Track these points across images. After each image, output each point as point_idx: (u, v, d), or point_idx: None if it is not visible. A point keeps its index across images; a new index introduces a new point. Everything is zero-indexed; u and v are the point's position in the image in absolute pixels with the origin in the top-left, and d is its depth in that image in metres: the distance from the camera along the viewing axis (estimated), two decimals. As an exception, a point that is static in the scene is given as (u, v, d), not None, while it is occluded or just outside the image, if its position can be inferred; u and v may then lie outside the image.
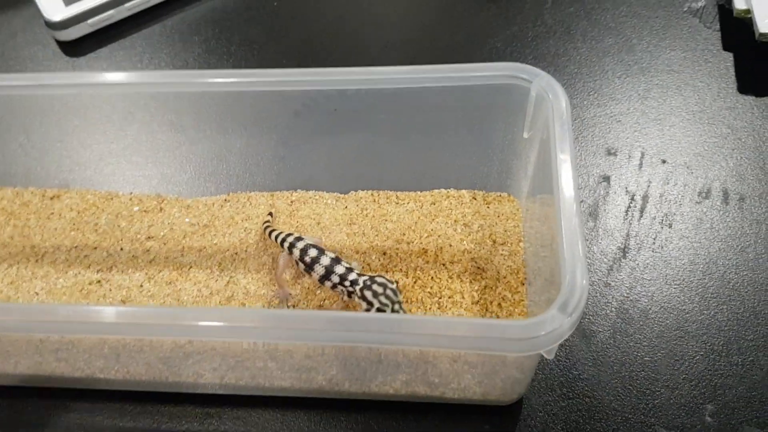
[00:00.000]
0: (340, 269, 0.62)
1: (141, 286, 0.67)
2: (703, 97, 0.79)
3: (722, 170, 0.73)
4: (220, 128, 0.73)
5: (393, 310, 0.58)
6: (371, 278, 0.60)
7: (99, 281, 0.68)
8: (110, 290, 0.67)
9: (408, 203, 0.71)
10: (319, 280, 0.63)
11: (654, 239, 0.69)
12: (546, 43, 0.87)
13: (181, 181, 0.76)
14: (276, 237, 0.67)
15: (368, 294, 0.59)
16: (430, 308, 0.63)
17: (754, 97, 0.79)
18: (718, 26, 0.85)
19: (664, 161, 0.74)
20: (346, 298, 0.63)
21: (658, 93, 0.80)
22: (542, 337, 0.46)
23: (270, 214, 0.71)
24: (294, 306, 0.65)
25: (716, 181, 0.72)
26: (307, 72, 0.65)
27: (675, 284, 0.66)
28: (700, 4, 0.85)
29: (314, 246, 0.64)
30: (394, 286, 0.59)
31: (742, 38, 0.82)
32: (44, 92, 0.70)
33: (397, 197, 0.72)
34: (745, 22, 0.80)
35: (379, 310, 0.58)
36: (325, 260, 0.62)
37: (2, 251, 0.72)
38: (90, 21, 0.90)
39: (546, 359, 0.61)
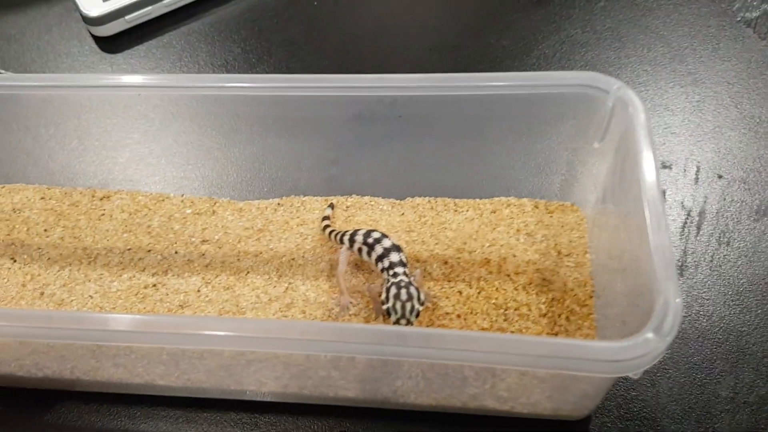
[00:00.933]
0: (395, 257, 0.62)
1: (198, 291, 0.66)
2: (759, 110, 0.78)
3: (780, 187, 0.72)
4: (273, 131, 0.72)
5: (397, 321, 0.58)
6: (409, 284, 0.59)
7: (155, 285, 0.67)
8: (167, 294, 0.66)
9: (467, 211, 0.70)
10: (375, 260, 0.62)
11: (712, 257, 0.68)
12: (595, 49, 0.86)
13: (231, 184, 0.75)
14: (336, 235, 0.66)
15: (392, 292, 0.59)
16: (495, 320, 0.62)
17: (811, 112, 0.78)
18: (773, 38, 0.84)
19: (720, 176, 0.73)
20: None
21: (712, 105, 0.80)
22: (636, 360, 0.45)
23: (331, 205, 0.70)
24: (348, 305, 0.64)
25: (775, 198, 0.71)
26: (367, 78, 0.64)
27: (734, 304, 0.64)
28: (754, 14, 0.84)
29: (377, 231, 0.64)
30: (420, 308, 0.59)
31: (798, 50, 0.82)
32: (84, 93, 0.69)
33: (455, 204, 0.71)
34: (802, 34, 0.79)
35: (387, 311, 0.58)
36: (387, 243, 0.62)
37: (53, 252, 0.71)
38: (127, 17, 0.89)
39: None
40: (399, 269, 0.60)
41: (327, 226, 0.68)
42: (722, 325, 0.63)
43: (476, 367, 0.55)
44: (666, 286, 0.46)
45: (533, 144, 0.68)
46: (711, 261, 0.67)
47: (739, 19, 0.86)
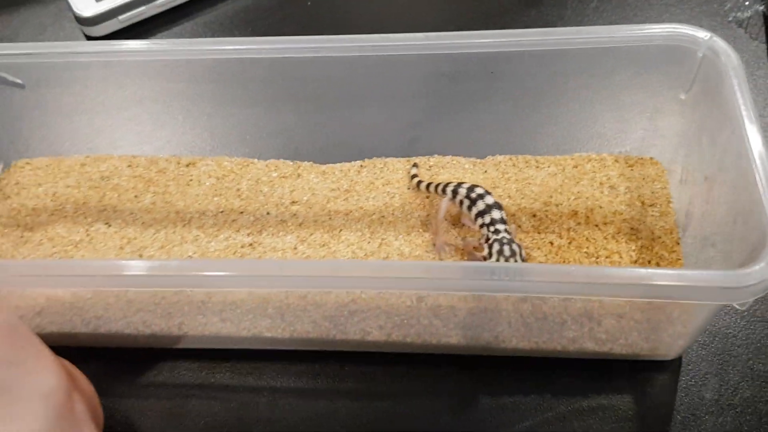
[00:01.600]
0: (496, 214, 0.63)
1: (295, 248, 0.68)
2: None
3: None
4: (351, 95, 0.74)
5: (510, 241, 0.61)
6: (511, 241, 0.61)
7: (251, 244, 0.69)
8: (264, 253, 0.68)
9: (549, 167, 0.72)
10: (475, 216, 0.64)
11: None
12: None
13: (312, 150, 0.77)
14: (435, 187, 0.68)
15: (495, 248, 0.60)
16: (588, 267, 0.64)
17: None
18: (764, 38, 0.83)
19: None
20: (483, 241, 0.64)
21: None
22: (749, 288, 0.47)
23: (415, 165, 0.72)
24: (448, 246, 0.67)
25: None
26: (450, 35, 0.65)
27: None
28: (746, 14, 0.84)
29: (481, 186, 0.65)
30: (521, 252, 0.61)
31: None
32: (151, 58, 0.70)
33: (536, 161, 0.73)
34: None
35: None
36: (490, 199, 0.64)
37: (147, 217, 0.72)
38: (121, 17, 0.88)
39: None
40: (500, 226, 0.62)
41: (420, 180, 0.70)
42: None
43: (574, 311, 0.57)
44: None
45: (614, 98, 0.70)
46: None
47: (730, 19, 0.85)
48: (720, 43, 0.59)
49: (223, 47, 0.67)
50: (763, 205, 0.49)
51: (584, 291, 0.49)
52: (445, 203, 0.67)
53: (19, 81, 0.70)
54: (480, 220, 0.64)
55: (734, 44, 0.79)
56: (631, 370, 0.61)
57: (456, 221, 0.69)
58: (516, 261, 0.60)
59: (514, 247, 0.60)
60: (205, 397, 0.62)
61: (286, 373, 0.63)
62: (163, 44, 0.71)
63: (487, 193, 0.65)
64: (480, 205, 0.64)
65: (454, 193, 0.66)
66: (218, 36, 0.91)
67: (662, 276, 0.48)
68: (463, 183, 0.67)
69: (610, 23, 0.87)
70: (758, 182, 0.50)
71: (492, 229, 0.62)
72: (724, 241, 0.57)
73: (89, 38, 0.90)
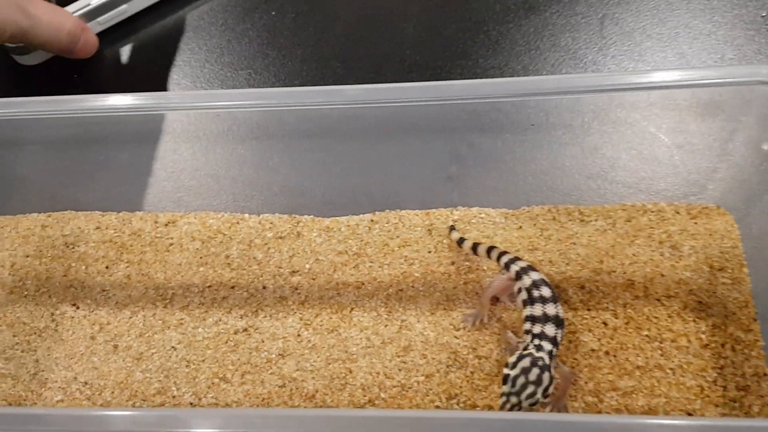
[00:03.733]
0: (550, 330, 0.51)
1: (298, 335, 0.58)
2: None
3: None
4: (358, 134, 0.62)
5: (507, 395, 0.48)
6: (547, 367, 0.49)
7: (246, 329, 0.58)
8: (262, 341, 0.58)
9: (596, 220, 0.61)
10: (526, 317, 0.53)
11: None
12: (602, 56, 0.73)
13: (313, 200, 0.65)
14: (487, 251, 0.57)
15: (523, 364, 0.49)
16: (651, 356, 0.54)
17: None
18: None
19: None
20: (518, 342, 0.53)
21: None
22: None
23: (452, 227, 0.60)
24: (482, 321, 0.56)
25: None
26: (483, 84, 0.55)
27: None
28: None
29: (546, 284, 0.54)
30: (542, 400, 0.48)
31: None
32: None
33: (580, 213, 0.61)
34: None
35: (504, 378, 0.49)
36: (552, 309, 0.52)
37: (120, 294, 0.61)
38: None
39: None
40: (546, 345, 0.50)
41: (462, 238, 0.59)
42: None
43: None
44: None
45: (672, 138, 0.58)
46: None
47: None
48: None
49: (203, 103, 0.55)
50: None
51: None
52: (501, 280, 0.55)
53: None
54: (529, 326, 0.52)
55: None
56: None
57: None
58: (535, 392, 0.48)
59: (545, 376, 0.48)
60: None
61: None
62: (144, 98, 0.58)
63: (553, 298, 0.53)
64: (537, 310, 0.52)
65: (518, 276, 0.54)
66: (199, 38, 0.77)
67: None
68: (530, 268, 0.55)
69: (623, 35, 0.74)
70: None
71: (536, 342, 0.51)
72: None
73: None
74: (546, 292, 0.53)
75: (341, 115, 0.59)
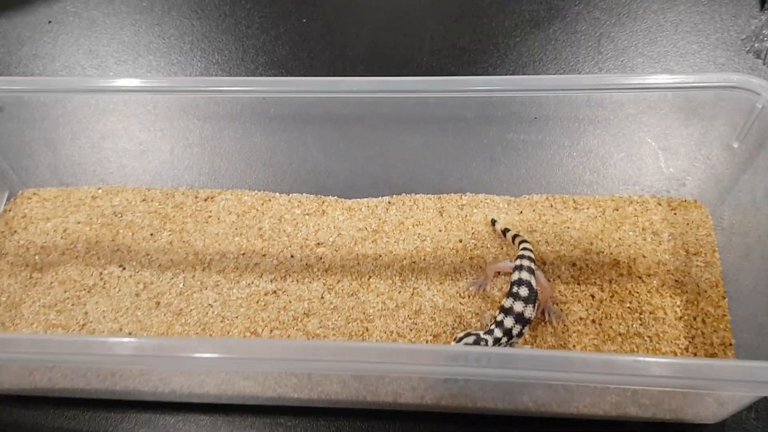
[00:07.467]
0: (509, 321, 0.59)
1: (322, 297, 0.65)
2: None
3: None
4: (380, 127, 0.70)
5: (494, 339, 0.57)
6: (509, 340, 0.58)
7: (275, 292, 0.66)
8: (290, 302, 0.65)
9: (588, 208, 0.69)
10: (508, 293, 0.61)
11: None
12: (598, 69, 0.82)
13: (337, 183, 0.73)
14: (519, 243, 0.64)
15: (500, 317, 0.58)
16: (631, 325, 0.61)
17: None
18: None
19: None
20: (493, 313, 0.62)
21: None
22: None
23: (493, 221, 0.68)
24: (484, 290, 0.64)
25: None
26: (498, 80, 0.62)
27: None
28: (764, 44, 0.79)
29: (531, 272, 0.61)
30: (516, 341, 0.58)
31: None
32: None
33: (574, 201, 0.69)
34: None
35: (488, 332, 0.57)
36: (525, 292, 0.59)
37: (163, 258, 0.69)
38: None
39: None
40: (498, 332, 0.58)
41: (506, 229, 0.67)
42: None
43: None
44: None
45: (658, 141, 0.66)
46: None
47: (747, 49, 0.81)
48: (783, 97, 0.56)
49: (245, 88, 0.62)
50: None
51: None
52: (505, 264, 0.63)
53: None
54: (498, 312, 0.59)
55: (751, 75, 0.77)
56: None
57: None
58: (514, 338, 0.57)
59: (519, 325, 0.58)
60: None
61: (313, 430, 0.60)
62: (186, 81, 0.67)
63: (528, 299, 0.59)
64: (508, 302, 0.59)
65: (515, 268, 0.62)
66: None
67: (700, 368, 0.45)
68: (526, 259, 0.62)
69: (620, 51, 0.83)
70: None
71: (491, 328, 0.58)
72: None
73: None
74: (524, 292, 0.59)
75: (363, 108, 0.67)
